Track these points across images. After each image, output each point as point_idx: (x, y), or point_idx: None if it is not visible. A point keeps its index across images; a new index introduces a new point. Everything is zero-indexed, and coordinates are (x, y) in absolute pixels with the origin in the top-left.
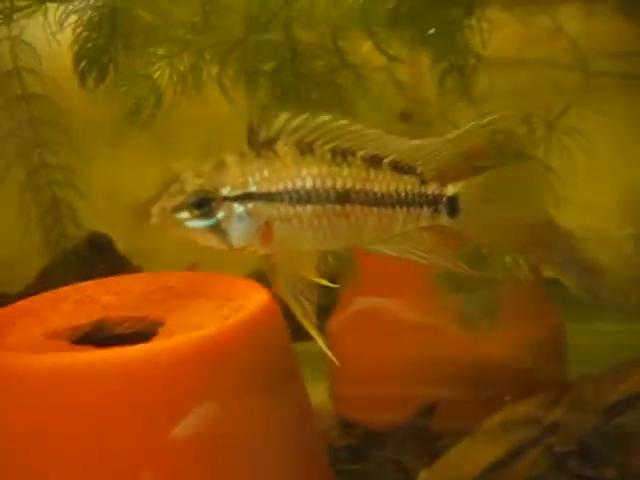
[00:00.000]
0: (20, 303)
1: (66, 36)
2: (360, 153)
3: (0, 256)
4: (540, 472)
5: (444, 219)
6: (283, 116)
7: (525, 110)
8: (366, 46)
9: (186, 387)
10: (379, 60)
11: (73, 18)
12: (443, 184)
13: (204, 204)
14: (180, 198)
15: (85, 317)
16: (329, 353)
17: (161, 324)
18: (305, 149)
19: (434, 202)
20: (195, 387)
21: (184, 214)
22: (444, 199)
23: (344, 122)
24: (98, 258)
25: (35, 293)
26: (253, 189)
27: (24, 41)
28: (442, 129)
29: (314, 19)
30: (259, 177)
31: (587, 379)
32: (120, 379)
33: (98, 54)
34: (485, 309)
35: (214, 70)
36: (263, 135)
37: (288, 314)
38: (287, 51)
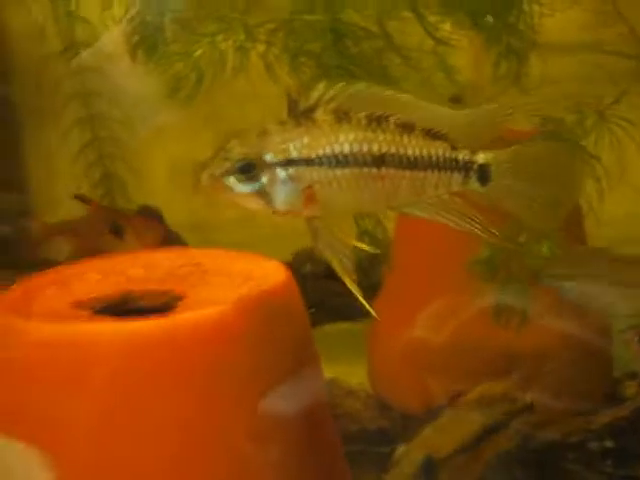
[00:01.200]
0: (50, 272)
1: (120, 11)
2: (393, 119)
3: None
4: (512, 447)
5: (475, 185)
6: (321, 86)
7: (577, 97)
8: (419, 28)
9: (193, 363)
10: (431, 43)
11: None
12: (474, 152)
13: (249, 169)
14: (227, 164)
15: (110, 289)
16: (369, 308)
17: (181, 299)
18: (342, 116)
19: (465, 168)
20: (203, 363)
21: (231, 179)
22: (475, 166)
23: (377, 89)
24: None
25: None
26: (294, 155)
27: (80, 16)
28: None
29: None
30: (299, 144)
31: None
32: (127, 350)
33: (149, 30)
34: (519, 300)
35: (260, 49)
36: (302, 105)
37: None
38: (332, 32)
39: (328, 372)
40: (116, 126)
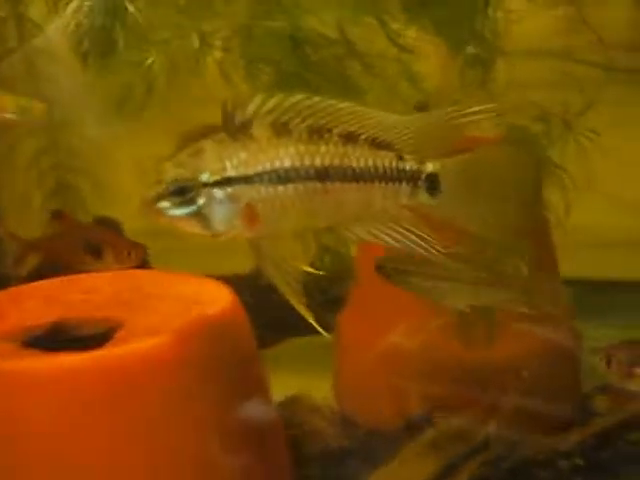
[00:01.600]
0: None
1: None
2: (336, 130)
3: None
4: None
5: (424, 197)
6: (257, 98)
7: (544, 105)
8: (381, 35)
9: (126, 400)
10: (394, 50)
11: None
12: (422, 162)
13: (184, 192)
14: (160, 188)
15: (44, 317)
16: (317, 326)
17: (121, 326)
18: (281, 130)
19: (412, 178)
20: (137, 399)
21: (165, 203)
22: (423, 176)
23: (317, 99)
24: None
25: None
26: (231, 173)
27: (31, 19)
28: None
29: (320, 6)
30: (236, 161)
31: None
32: (53, 389)
33: (98, 36)
34: (484, 316)
35: (217, 55)
36: (238, 119)
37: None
38: (291, 38)
39: (293, 386)
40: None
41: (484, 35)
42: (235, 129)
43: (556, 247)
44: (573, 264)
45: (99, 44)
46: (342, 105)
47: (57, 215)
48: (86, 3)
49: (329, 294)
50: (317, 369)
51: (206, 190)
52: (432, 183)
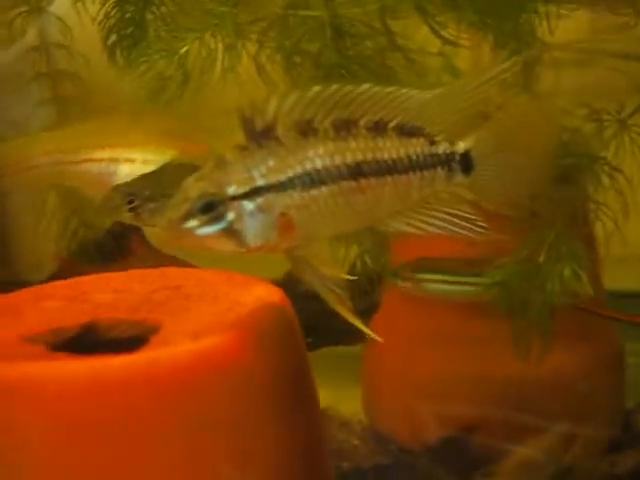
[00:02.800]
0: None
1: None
2: (362, 122)
3: (19, 245)
4: None
5: (459, 178)
6: (274, 99)
7: (594, 106)
8: (422, 29)
9: (170, 409)
10: (435, 44)
11: None
12: (453, 142)
13: (211, 208)
14: (185, 206)
15: (72, 319)
16: (369, 331)
17: (157, 330)
18: (306, 128)
19: (447, 161)
20: (183, 409)
21: (193, 222)
22: (457, 157)
23: (335, 88)
24: (124, 250)
25: None
26: (261, 182)
27: (53, 13)
28: None
29: None
30: (265, 169)
31: None
32: (83, 396)
33: (128, 27)
34: (539, 327)
35: (251, 49)
36: (259, 124)
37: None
38: (332, 28)
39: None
40: None
41: (531, 31)
42: (258, 135)
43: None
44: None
45: (129, 34)
46: (361, 90)
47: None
48: None
49: (367, 300)
50: (346, 381)
51: (235, 203)
52: (466, 161)
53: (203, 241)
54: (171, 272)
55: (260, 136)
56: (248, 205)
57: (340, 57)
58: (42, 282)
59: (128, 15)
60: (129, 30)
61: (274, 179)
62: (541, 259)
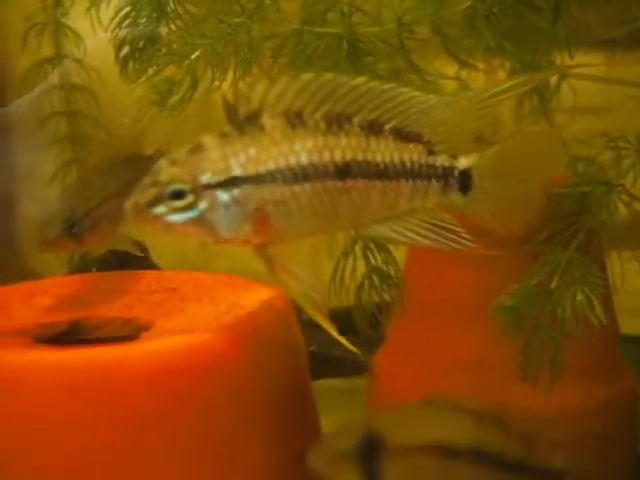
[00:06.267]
0: None
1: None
2: (357, 119)
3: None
4: None
5: (455, 195)
6: (261, 85)
7: (611, 133)
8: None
9: (155, 400)
10: (451, 68)
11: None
12: (454, 155)
13: (181, 195)
14: (154, 191)
15: (61, 315)
16: (344, 341)
17: (148, 328)
18: (294, 120)
19: (444, 175)
20: (168, 402)
21: (160, 208)
22: (456, 172)
23: (329, 77)
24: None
25: None
26: (237, 172)
27: (68, 26)
28: None
29: (379, 11)
30: (244, 158)
31: None
32: (65, 386)
33: (141, 40)
34: (549, 357)
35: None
36: (243, 110)
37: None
38: (348, 45)
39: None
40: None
41: (549, 59)
42: (241, 121)
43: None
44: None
45: (140, 49)
46: (357, 83)
47: None
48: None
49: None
50: (350, 413)
51: (208, 192)
52: (465, 179)
53: (171, 228)
54: (169, 274)
55: (243, 122)
56: (222, 195)
57: (355, 74)
58: None
59: (141, 28)
60: (141, 43)
61: (253, 170)
62: (553, 284)
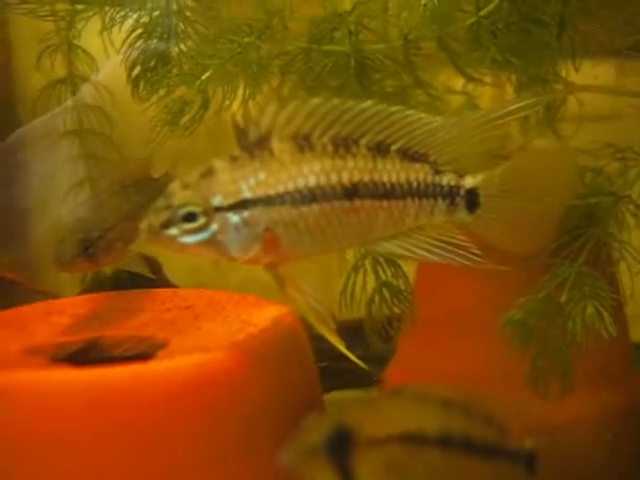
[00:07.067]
0: (7, 312)
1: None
2: (364, 141)
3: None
4: None
5: (462, 214)
6: (271, 108)
7: (618, 143)
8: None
9: (170, 419)
10: (458, 81)
11: (129, 23)
12: (460, 175)
13: (193, 218)
14: (167, 213)
15: (78, 334)
16: (351, 356)
17: (163, 346)
18: (303, 143)
19: (450, 194)
20: (183, 420)
21: (174, 230)
22: (462, 191)
23: (336, 102)
24: (142, 286)
25: None
26: (248, 195)
27: (80, 47)
28: None
29: (385, 28)
30: (254, 181)
31: None
32: (82, 404)
33: (152, 59)
34: (559, 367)
35: (273, 80)
36: (253, 133)
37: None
38: (354, 64)
39: None
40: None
41: (555, 71)
42: (251, 145)
43: None
44: None
45: (150, 61)
46: (364, 107)
47: None
48: (141, 21)
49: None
50: None
51: (220, 215)
52: (471, 199)
53: (184, 249)
54: (183, 292)
55: (253, 146)
56: (233, 217)
57: (363, 92)
58: None
59: (152, 47)
60: (152, 63)
61: (262, 193)
62: (563, 298)
